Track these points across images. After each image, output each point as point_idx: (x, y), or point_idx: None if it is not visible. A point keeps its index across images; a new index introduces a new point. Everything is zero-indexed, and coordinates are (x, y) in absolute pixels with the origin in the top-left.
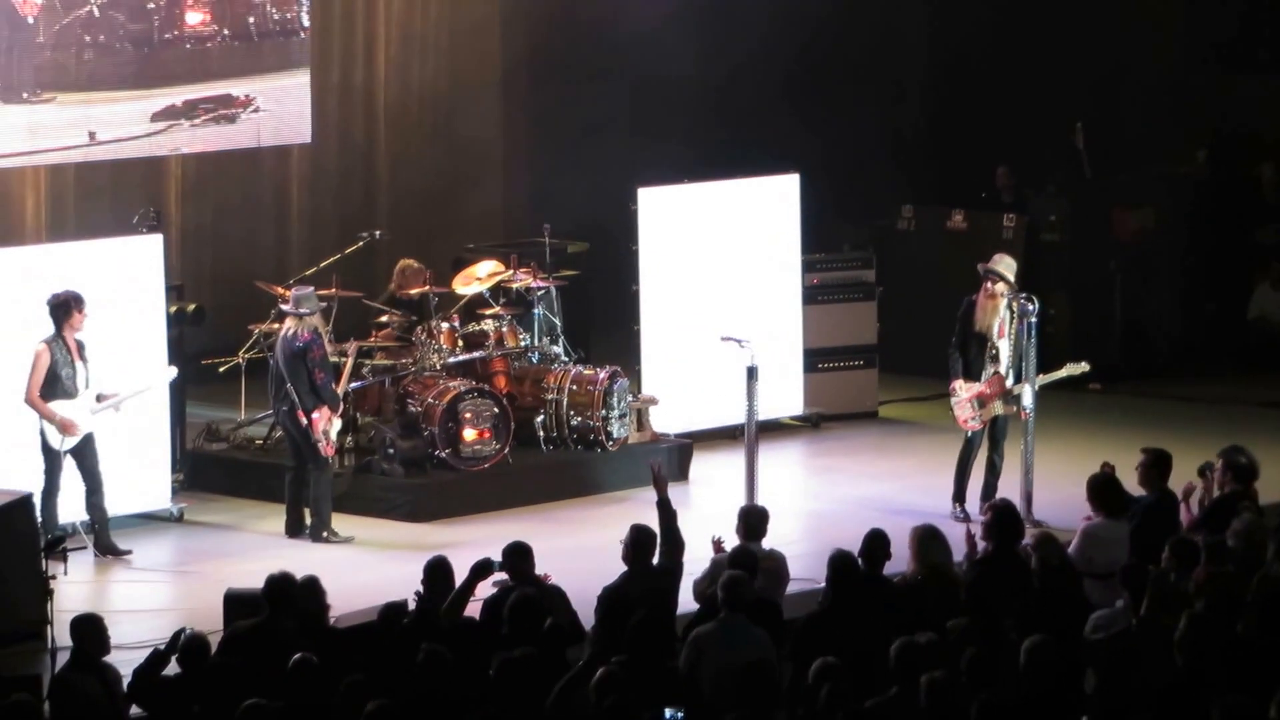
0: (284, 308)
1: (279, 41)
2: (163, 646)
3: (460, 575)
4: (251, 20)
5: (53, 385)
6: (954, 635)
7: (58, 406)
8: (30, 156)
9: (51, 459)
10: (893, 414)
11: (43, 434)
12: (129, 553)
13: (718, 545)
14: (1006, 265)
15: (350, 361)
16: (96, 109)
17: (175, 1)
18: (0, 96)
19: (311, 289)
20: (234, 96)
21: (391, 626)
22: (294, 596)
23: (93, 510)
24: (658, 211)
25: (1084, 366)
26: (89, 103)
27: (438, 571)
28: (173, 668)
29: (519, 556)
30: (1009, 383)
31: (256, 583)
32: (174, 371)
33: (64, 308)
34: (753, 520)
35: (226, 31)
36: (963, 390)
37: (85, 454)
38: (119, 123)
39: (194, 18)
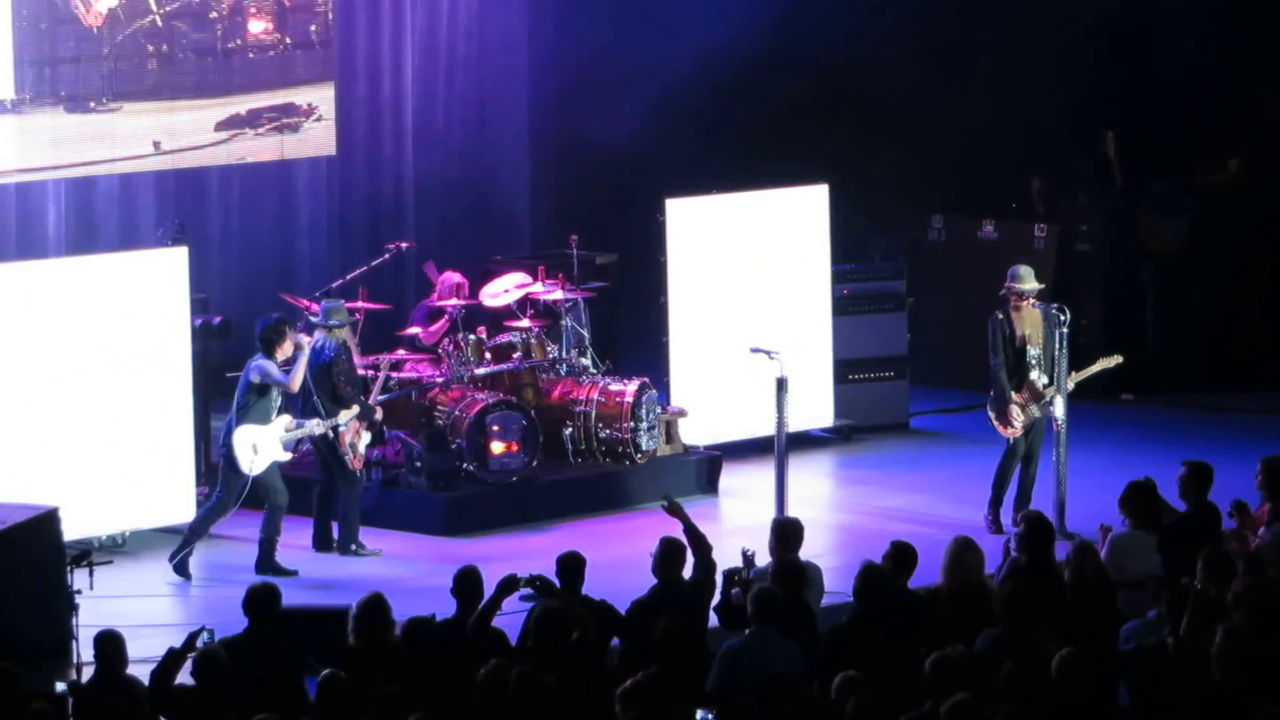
0: (312, 319)
1: (305, 53)
2: (178, 646)
3: (489, 589)
4: (313, 28)
5: (256, 408)
6: (988, 648)
7: (249, 432)
8: (91, 166)
9: (233, 481)
10: (924, 426)
11: (233, 454)
12: (294, 573)
13: (748, 560)
14: (1028, 274)
15: (382, 376)
16: (162, 118)
17: (238, 10)
18: (66, 106)
19: (341, 302)
20: (297, 105)
21: (415, 642)
22: (273, 609)
23: (269, 528)
24: (686, 222)
25: (1117, 359)
26: (154, 112)
27: (467, 582)
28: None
29: (571, 567)
30: (1042, 384)
31: (283, 597)
32: (370, 410)
33: (277, 332)
34: (787, 532)
35: (289, 39)
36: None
37: (269, 481)
38: (184, 132)
39: (256, 26)
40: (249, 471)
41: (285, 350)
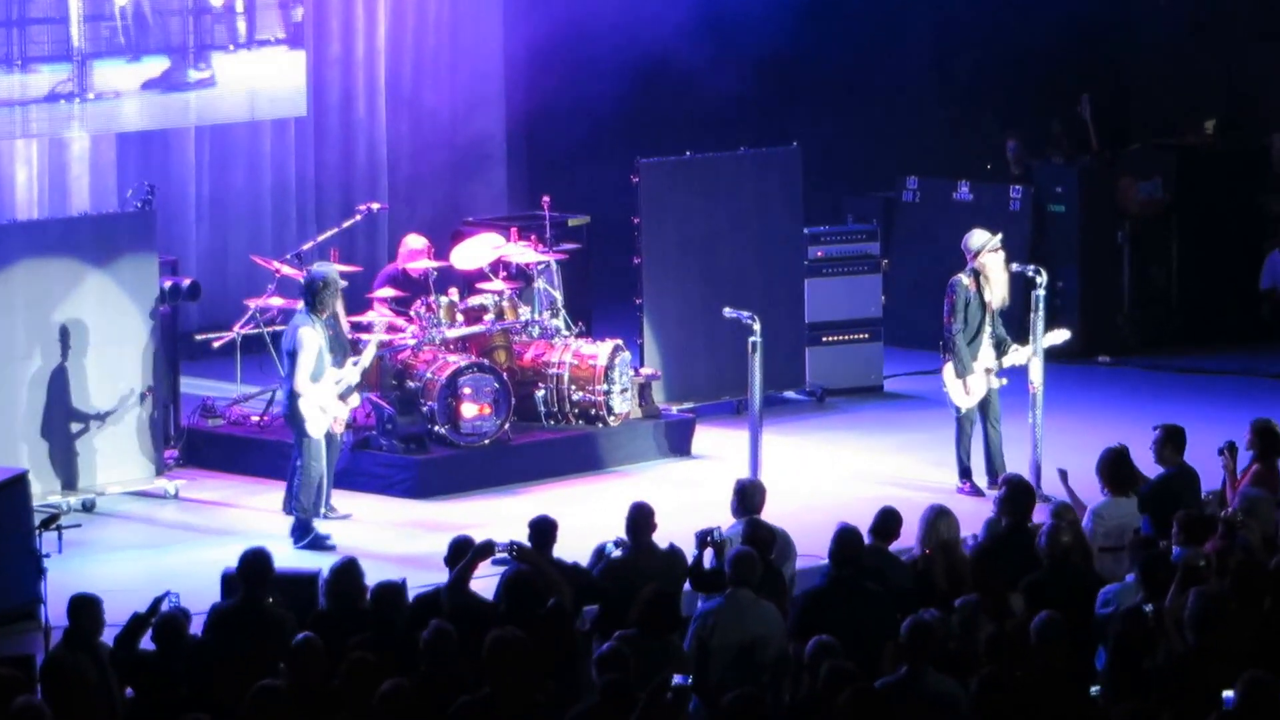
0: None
1: (277, 14)
2: (143, 610)
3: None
4: None
5: (314, 371)
6: (963, 614)
7: (313, 391)
8: (23, 125)
9: (310, 446)
10: (898, 388)
11: (300, 418)
12: (333, 548)
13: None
14: (980, 231)
15: (372, 349)
16: (130, 76)
17: None
18: (29, 66)
19: (332, 265)
20: (230, 67)
21: (384, 607)
22: (268, 573)
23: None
24: (659, 183)
25: (1065, 334)
26: (124, 71)
27: (461, 552)
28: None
29: (544, 531)
30: (994, 356)
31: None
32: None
33: (328, 286)
34: (749, 494)
35: (224, 2)
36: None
37: (331, 443)
38: (153, 92)
39: None
40: (316, 434)
41: (330, 312)
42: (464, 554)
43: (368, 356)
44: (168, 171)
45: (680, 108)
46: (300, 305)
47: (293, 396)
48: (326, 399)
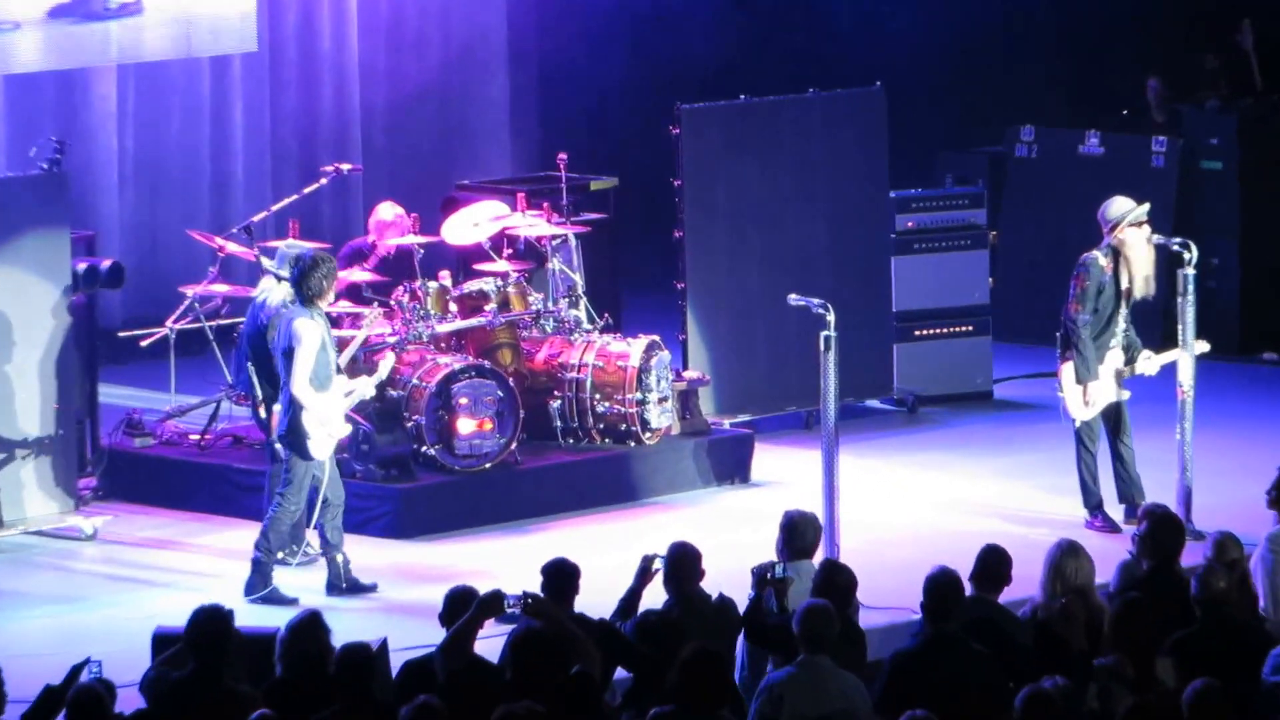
0: (265, 266)
1: None
2: (57, 683)
3: None
4: None
5: (317, 371)
6: (1100, 680)
7: (317, 402)
8: None
9: (299, 471)
10: (1011, 394)
11: (302, 434)
12: (373, 588)
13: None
14: (1124, 201)
15: (389, 362)
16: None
17: None
18: None
19: (307, 246)
20: None
21: (353, 674)
22: (227, 638)
23: (333, 531)
24: (705, 136)
25: (1204, 347)
26: None
27: (460, 606)
28: None
29: (561, 579)
30: (1123, 360)
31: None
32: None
33: (319, 266)
34: (798, 530)
35: None
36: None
37: (329, 468)
38: (11, 22)
39: None
40: (320, 456)
41: (329, 299)
42: (465, 609)
43: (385, 368)
44: (81, 123)
45: (731, 36)
46: (263, 294)
47: (293, 406)
48: (329, 412)
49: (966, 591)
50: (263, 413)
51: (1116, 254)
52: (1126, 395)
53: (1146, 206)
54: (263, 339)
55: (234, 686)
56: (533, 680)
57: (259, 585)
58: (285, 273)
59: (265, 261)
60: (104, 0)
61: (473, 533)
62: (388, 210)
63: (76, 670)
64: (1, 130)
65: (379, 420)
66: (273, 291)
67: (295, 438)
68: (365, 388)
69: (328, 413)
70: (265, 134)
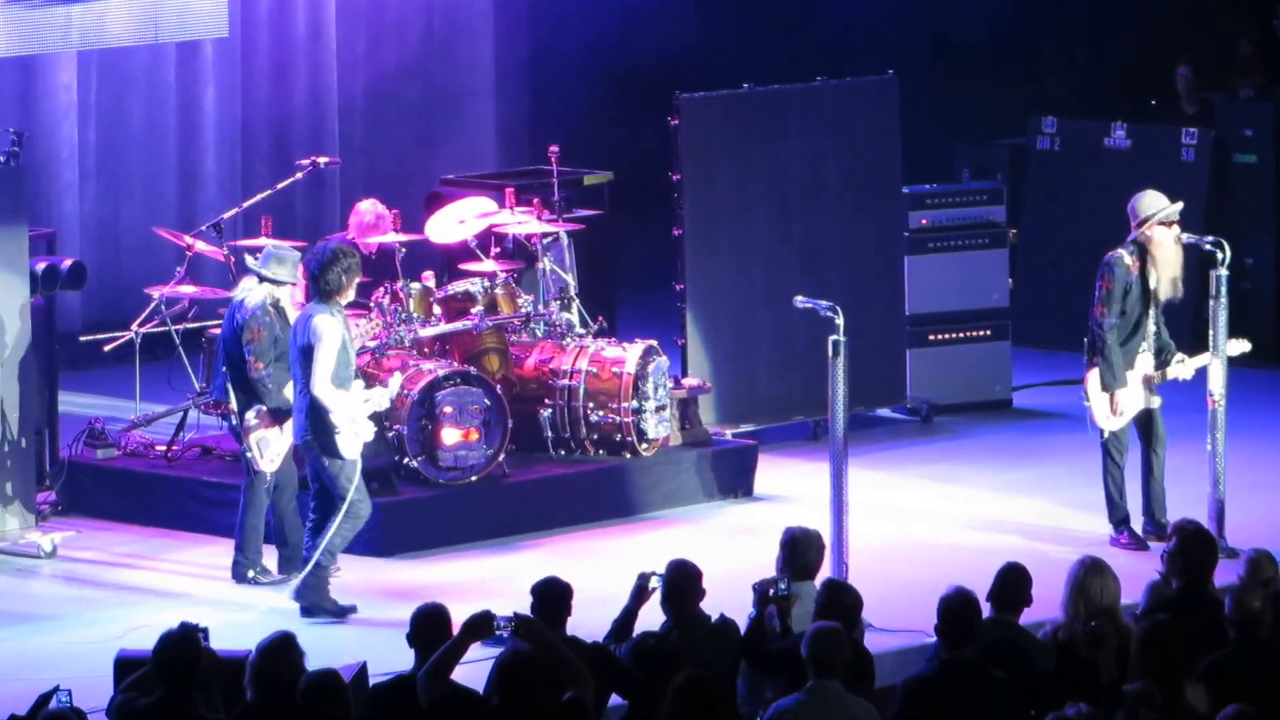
0: (249, 264)
1: None
2: (23, 713)
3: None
4: None
5: (339, 371)
6: (1127, 707)
7: (346, 403)
8: None
9: (346, 472)
10: (1031, 403)
11: (332, 437)
12: (353, 609)
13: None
14: (1157, 196)
15: (398, 377)
16: None
17: None
18: None
19: (292, 249)
20: None
21: (320, 703)
22: (196, 662)
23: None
24: (706, 127)
25: (1244, 346)
26: None
27: (430, 626)
28: None
29: (552, 599)
30: (1153, 365)
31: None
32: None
33: (339, 260)
34: (799, 548)
35: None
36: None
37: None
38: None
39: None
40: (350, 455)
41: (349, 295)
42: (435, 628)
43: (395, 385)
44: (40, 114)
45: (734, 25)
46: (242, 294)
47: (313, 407)
48: (355, 411)
49: (984, 613)
50: (235, 420)
51: (1144, 252)
52: (1158, 402)
53: (1180, 205)
54: (238, 342)
55: (204, 715)
56: (522, 707)
57: (314, 604)
58: (269, 272)
59: (249, 260)
60: None
61: (458, 550)
62: (369, 210)
63: (44, 699)
64: None
65: None
66: (252, 292)
67: (323, 437)
68: (381, 399)
69: (354, 410)
70: (236, 126)
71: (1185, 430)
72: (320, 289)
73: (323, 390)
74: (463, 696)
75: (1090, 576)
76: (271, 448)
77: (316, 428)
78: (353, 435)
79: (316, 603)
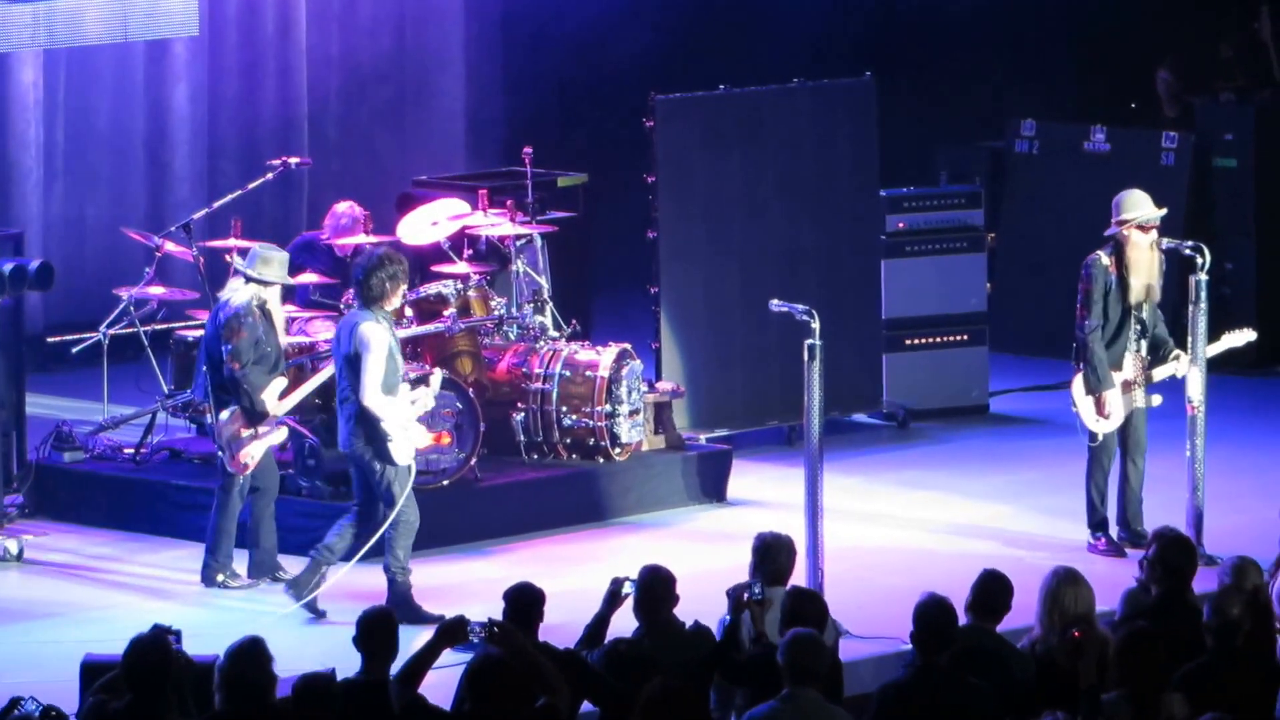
0: (236, 265)
1: None
2: None
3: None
4: None
5: (388, 376)
6: (1105, 716)
7: (400, 410)
8: None
9: (400, 479)
10: (1008, 408)
11: (385, 443)
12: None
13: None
14: (1141, 198)
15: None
16: None
17: None
18: None
19: (280, 250)
20: None
21: (310, 707)
22: (166, 667)
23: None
24: (682, 129)
25: (1249, 335)
26: None
27: (378, 630)
28: None
29: (524, 604)
30: (1145, 362)
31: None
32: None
33: (385, 265)
34: (771, 553)
35: None
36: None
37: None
38: None
39: None
40: (403, 460)
41: (395, 301)
42: (380, 632)
43: (436, 383)
44: (4, 112)
45: (709, 29)
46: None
47: (361, 416)
48: (406, 416)
49: (961, 620)
50: (209, 419)
51: (1120, 252)
52: (1157, 400)
53: (1162, 212)
54: (217, 342)
55: (176, 719)
56: (493, 713)
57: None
58: (255, 272)
59: (237, 261)
60: None
61: (429, 554)
62: (346, 212)
63: (10, 706)
64: None
65: (327, 433)
66: (237, 293)
67: (376, 444)
68: (426, 398)
69: (405, 416)
70: (205, 125)
71: (1164, 437)
72: (364, 295)
73: (373, 399)
74: (420, 710)
75: (1064, 586)
76: (245, 449)
77: (369, 435)
78: (405, 441)
79: (409, 617)
